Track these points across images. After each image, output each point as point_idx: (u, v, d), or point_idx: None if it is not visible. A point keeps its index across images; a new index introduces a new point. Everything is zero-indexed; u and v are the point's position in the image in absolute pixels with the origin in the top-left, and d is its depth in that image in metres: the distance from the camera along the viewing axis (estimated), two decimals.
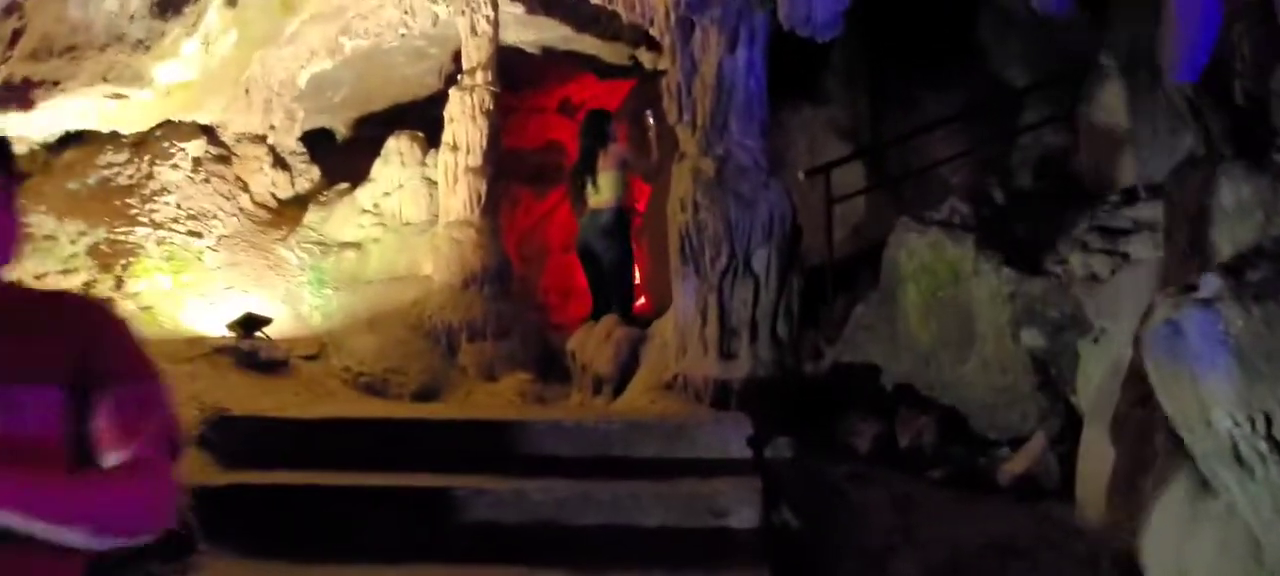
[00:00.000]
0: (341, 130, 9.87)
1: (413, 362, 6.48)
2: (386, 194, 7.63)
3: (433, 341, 6.68)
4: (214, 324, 6.52)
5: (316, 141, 9.22)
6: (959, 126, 8.30)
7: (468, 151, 7.11)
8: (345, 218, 7.66)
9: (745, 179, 5.74)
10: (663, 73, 8.92)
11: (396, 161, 7.65)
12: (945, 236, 5.71)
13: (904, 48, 8.19)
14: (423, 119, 7.85)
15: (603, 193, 6.36)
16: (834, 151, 7.95)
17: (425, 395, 6.32)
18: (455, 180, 7.10)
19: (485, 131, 7.14)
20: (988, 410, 5.27)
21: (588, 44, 8.96)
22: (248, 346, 6.03)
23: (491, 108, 7.18)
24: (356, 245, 7.50)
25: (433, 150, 7.55)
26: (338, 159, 9.21)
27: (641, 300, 9.54)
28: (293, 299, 7.16)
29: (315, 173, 8.71)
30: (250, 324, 6.32)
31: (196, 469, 4.55)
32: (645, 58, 9.28)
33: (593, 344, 6.25)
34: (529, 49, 9.04)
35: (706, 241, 5.62)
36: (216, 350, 5.94)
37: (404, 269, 7.29)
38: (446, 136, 7.21)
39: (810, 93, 8.48)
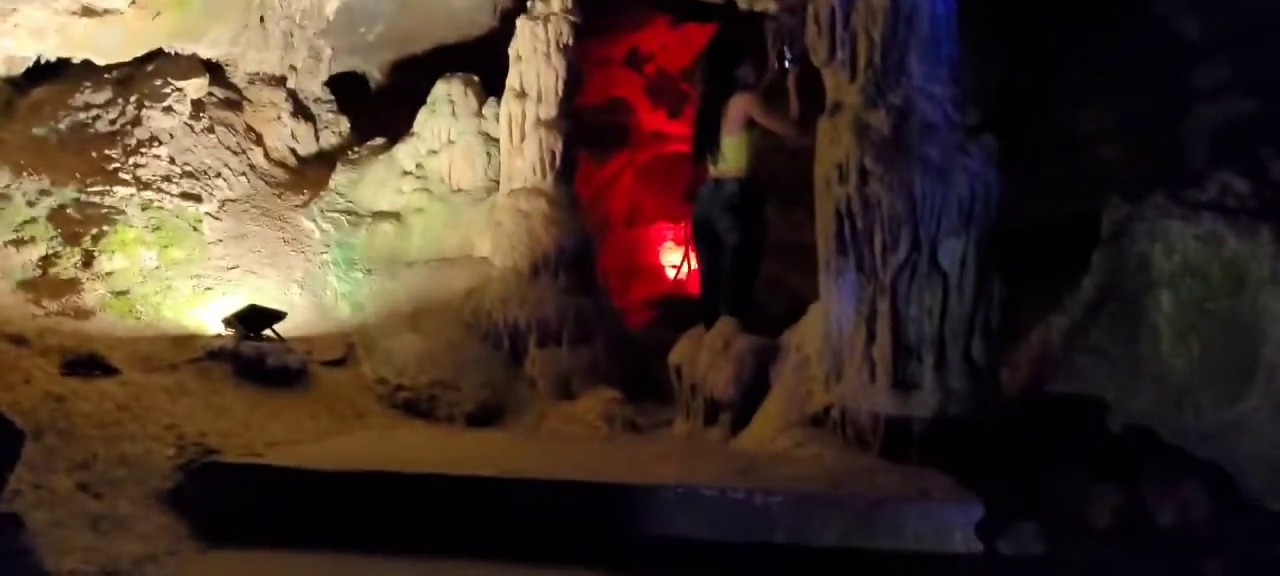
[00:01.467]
0: (376, 75, 8.30)
1: (467, 374, 4.93)
2: (433, 152, 6.06)
3: (492, 344, 5.13)
4: (211, 317, 4.98)
5: (346, 88, 7.68)
6: (1112, 91, 6.67)
7: (539, 99, 5.53)
8: (382, 181, 6.11)
9: (933, 140, 4.16)
10: (761, 14, 7.32)
11: (446, 111, 6.08)
12: (1226, 227, 4.08)
13: None
14: (472, 66, 6.51)
15: (727, 159, 4.74)
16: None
17: (484, 416, 4.77)
18: (523, 136, 5.53)
19: (562, 74, 5.54)
20: (1273, 471, 3.72)
21: None
22: (252, 350, 4.51)
23: (571, 42, 5.57)
24: (395, 216, 5.93)
25: (492, 99, 5.96)
26: (372, 111, 7.70)
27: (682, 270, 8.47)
28: (314, 283, 5.61)
29: (344, 125, 7.19)
30: (256, 319, 4.79)
31: (164, 542, 3.10)
32: None
33: (706, 358, 4.67)
34: None
35: (877, 224, 4.05)
36: (211, 354, 4.43)
37: (455, 248, 5.73)
38: (512, 79, 5.63)
39: None
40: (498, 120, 5.79)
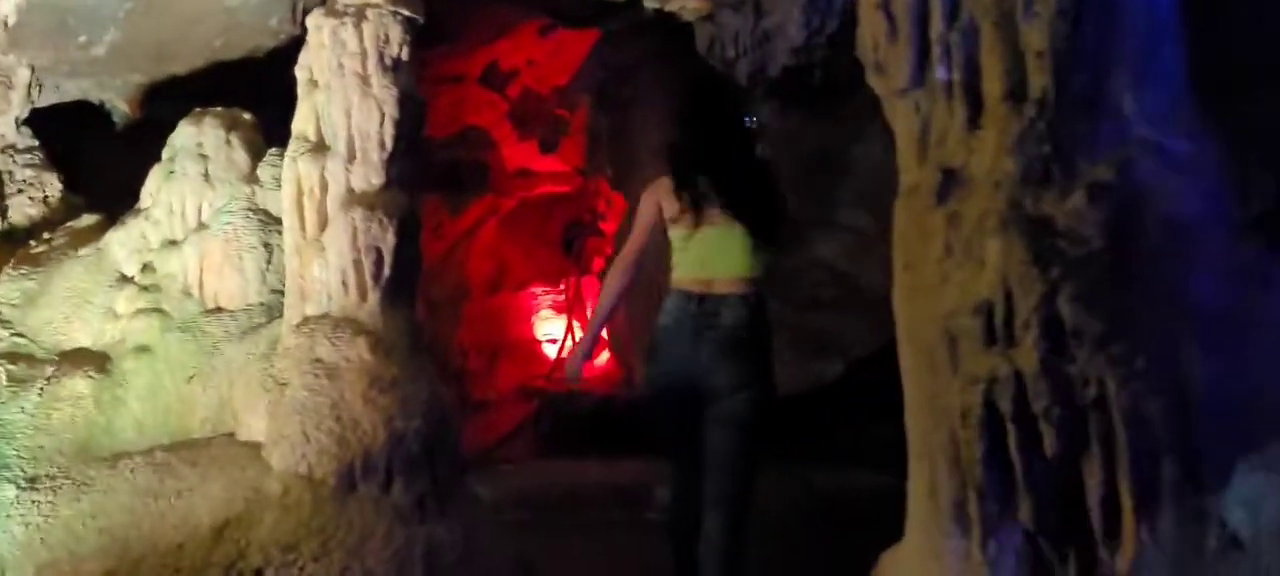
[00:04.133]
0: (122, 107, 5.69)
1: None
2: (171, 243, 3.52)
3: None
4: None
5: (76, 125, 5.26)
6: None
7: (351, 156, 3.08)
8: (79, 295, 3.52)
9: (1199, 255, 1.83)
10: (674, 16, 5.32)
11: (195, 172, 3.54)
12: None
13: None
14: (266, 93, 4.23)
15: (728, 259, 2.48)
16: None
17: None
18: (323, 221, 3.06)
19: (390, 111, 3.10)
20: None
21: None
22: None
23: (405, 55, 3.14)
24: (98, 364, 3.33)
25: (275, 152, 3.49)
26: (115, 162, 5.22)
27: (605, 356, 7.00)
28: None
29: (52, 187, 4.61)
30: None
31: None
32: None
33: None
34: None
35: (1092, 455, 1.72)
36: None
37: (204, 424, 3.19)
38: (301, 120, 3.17)
39: None
40: (279, 187, 3.29)
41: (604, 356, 7.61)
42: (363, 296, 3.03)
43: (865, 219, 5.35)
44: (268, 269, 3.41)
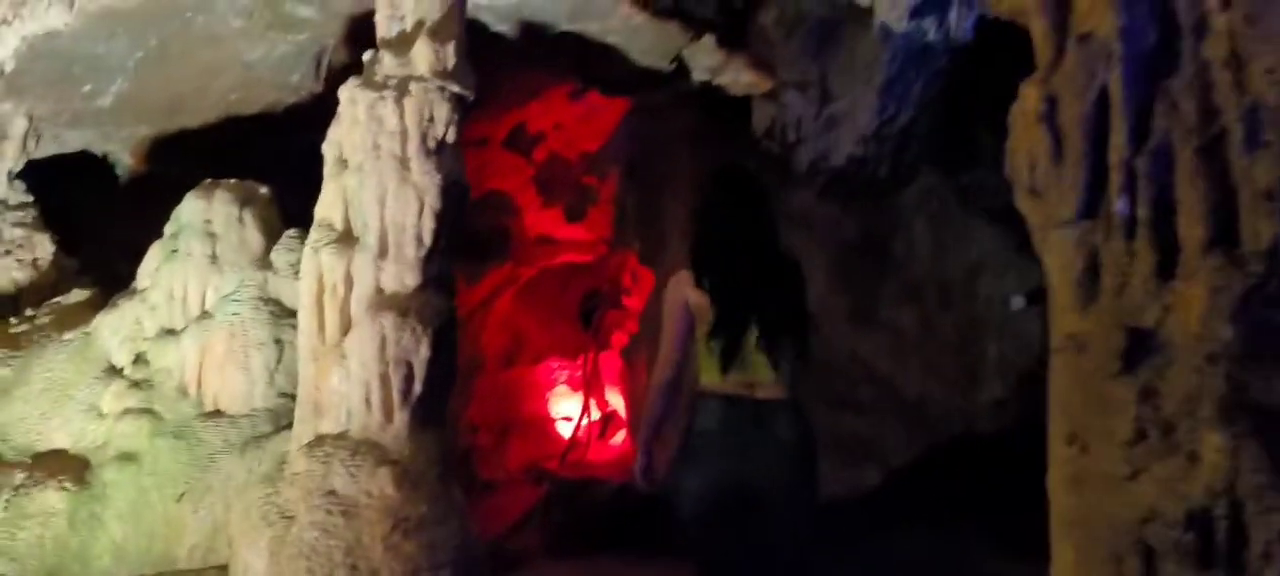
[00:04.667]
0: (126, 160, 5.31)
1: None
2: (169, 332, 3.07)
3: None
4: None
5: (75, 176, 4.87)
6: None
7: (383, 249, 2.65)
8: (60, 388, 3.05)
9: None
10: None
11: (199, 250, 3.10)
12: None
13: None
14: (288, 152, 3.84)
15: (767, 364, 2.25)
16: (987, 244, 4.50)
17: None
18: (345, 324, 2.62)
19: (431, 198, 2.68)
20: None
21: (617, 23, 4.62)
22: None
23: (450, 138, 2.72)
24: (76, 471, 2.87)
25: (293, 235, 3.05)
26: (117, 218, 4.83)
27: (622, 436, 6.72)
28: None
29: (44, 249, 4.21)
30: None
31: None
32: (706, 58, 4.90)
33: None
34: (496, 27, 4.63)
35: None
36: None
37: (192, 553, 2.71)
38: (326, 205, 2.73)
39: None
40: (299, 275, 2.85)
41: (620, 437, 7.17)
42: (388, 416, 2.57)
43: (908, 317, 4.93)
44: (277, 369, 2.97)
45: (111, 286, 3.97)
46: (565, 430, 7.13)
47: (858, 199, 4.92)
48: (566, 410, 7.25)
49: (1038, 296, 3.21)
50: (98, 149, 5.09)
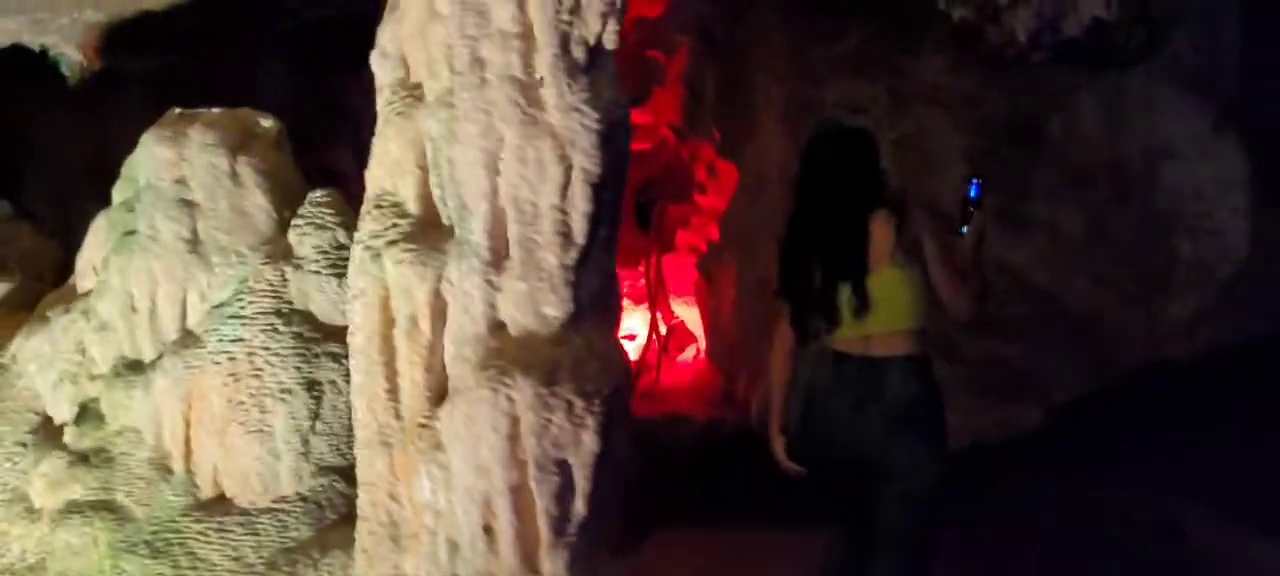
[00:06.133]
0: (72, 54, 4.27)
1: None
2: (129, 365, 1.86)
3: None
4: None
5: (16, 80, 3.92)
6: None
7: (499, 251, 1.43)
8: None
9: None
10: None
11: (168, 229, 1.88)
12: None
13: None
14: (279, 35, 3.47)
15: (881, 312, 1.97)
16: (1173, 123, 3.91)
17: None
18: (439, 383, 1.43)
19: (583, 158, 1.45)
20: None
21: None
22: None
23: (609, 41, 1.47)
24: None
25: (323, 195, 1.82)
26: (66, 130, 4.01)
27: (693, 352, 6.10)
28: None
29: None
30: None
31: None
32: None
33: None
34: None
35: None
36: None
37: None
38: (382, 165, 1.50)
39: None
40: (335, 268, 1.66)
41: (690, 352, 6.32)
42: (530, 565, 1.41)
43: (1071, 214, 4.24)
44: (314, 430, 1.79)
45: (69, 240, 2.78)
46: (630, 349, 6.17)
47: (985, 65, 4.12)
48: (629, 327, 6.30)
49: None
50: (32, 42, 3.94)
